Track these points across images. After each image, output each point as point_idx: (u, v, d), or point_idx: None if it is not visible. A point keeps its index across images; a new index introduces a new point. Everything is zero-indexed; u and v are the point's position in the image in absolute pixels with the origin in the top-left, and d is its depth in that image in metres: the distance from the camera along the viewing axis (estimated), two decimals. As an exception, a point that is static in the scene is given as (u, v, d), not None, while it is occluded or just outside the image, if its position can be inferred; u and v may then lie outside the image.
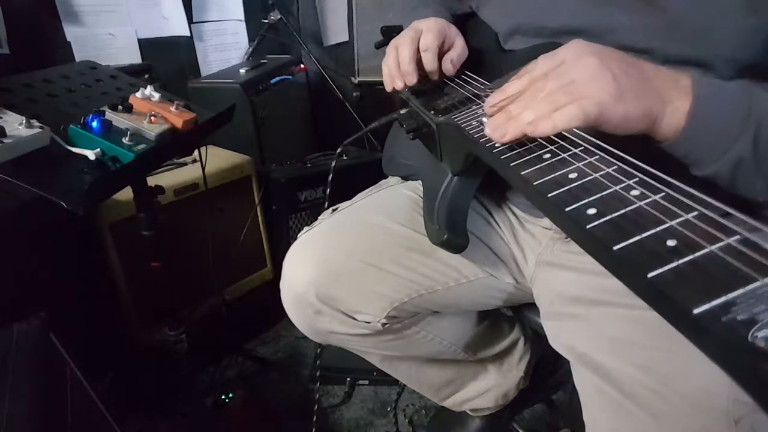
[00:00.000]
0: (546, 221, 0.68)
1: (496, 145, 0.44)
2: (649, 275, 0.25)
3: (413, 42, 0.66)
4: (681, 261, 0.25)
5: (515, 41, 0.66)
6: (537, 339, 0.94)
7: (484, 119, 0.48)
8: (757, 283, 0.23)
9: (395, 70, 0.67)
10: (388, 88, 0.70)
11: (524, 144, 0.42)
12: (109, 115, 0.70)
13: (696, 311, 0.23)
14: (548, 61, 0.46)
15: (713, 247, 0.26)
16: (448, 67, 0.67)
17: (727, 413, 0.45)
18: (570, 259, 0.65)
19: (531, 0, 0.63)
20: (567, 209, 0.32)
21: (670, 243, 0.27)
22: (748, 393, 0.21)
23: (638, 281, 0.26)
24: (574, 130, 0.41)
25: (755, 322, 0.21)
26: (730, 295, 0.23)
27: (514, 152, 0.41)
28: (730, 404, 0.45)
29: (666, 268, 0.25)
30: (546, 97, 0.43)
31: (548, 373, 1.00)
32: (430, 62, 0.66)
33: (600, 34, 0.56)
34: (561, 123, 0.41)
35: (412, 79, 0.66)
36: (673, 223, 0.28)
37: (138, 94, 0.78)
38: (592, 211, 0.31)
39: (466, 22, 0.77)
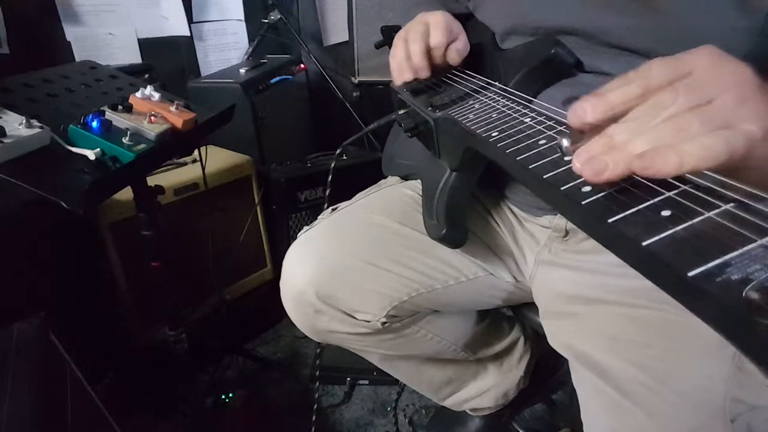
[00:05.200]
0: (545, 220, 0.68)
1: (493, 134, 0.43)
2: (644, 243, 0.25)
3: (423, 36, 0.66)
4: (677, 228, 0.26)
5: (512, 41, 0.67)
6: (537, 339, 0.94)
7: (564, 142, 0.33)
8: (753, 245, 0.23)
9: (404, 63, 0.67)
10: (397, 81, 0.70)
11: (522, 131, 0.41)
12: (109, 114, 0.70)
13: (691, 274, 0.23)
14: (669, 66, 0.33)
15: (709, 213, 0.26)
16: (454, 57, 0.67)
17: (723, 411, 0.45)
18: (569, 258, 0.65)
19: (527, 0, 0.63)
20: (563, 188, 0.32)
21: (665, 213, 0.27)
22: (743, 352, 0.21)
23: (633, 251, 0.26)
24: (561, 111, 0.39)
25: (749, 281, 0.21)
26: (725, 257, 0.23)
27: (511, 140, 0.41)
28: (726, 402, 0.45)
29: (662, 235, 0.25)
30: (672, 120, 0.30)
31: (548, 373, 1.00)
32: (438, 58, 0.67)
33: (594, 34, 0.56)
34: (692, 161, 0.28)
35: (425, 73, 0.67)
36: (670, 194, 0.28)
37: (138, 94, 0.78)
38: (587, 188, 0.31)
39: (463, 23, 0.77)
